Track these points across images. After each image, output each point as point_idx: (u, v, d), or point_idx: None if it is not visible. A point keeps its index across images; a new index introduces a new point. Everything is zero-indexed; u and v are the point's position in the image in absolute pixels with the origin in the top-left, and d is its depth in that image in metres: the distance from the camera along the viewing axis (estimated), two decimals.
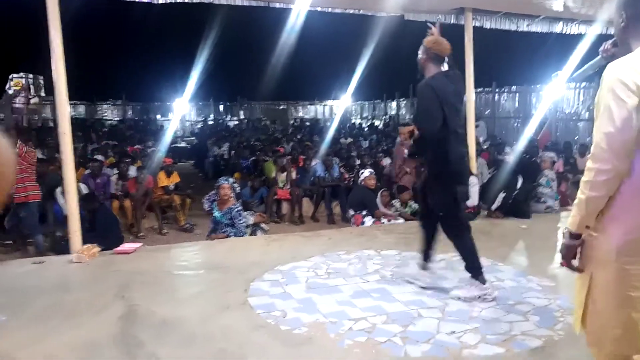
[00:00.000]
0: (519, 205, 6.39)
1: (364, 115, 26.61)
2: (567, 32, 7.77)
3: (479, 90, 15.82)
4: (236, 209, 5.63)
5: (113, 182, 7.47)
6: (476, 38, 6.80)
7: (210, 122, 23.93)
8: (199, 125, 23.79)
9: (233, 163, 11.18)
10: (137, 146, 13.11)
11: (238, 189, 6.21)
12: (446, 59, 3.61)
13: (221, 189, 5.62)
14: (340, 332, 3.05)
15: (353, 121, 24.54)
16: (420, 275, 3.86)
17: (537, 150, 8.42)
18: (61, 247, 5.27)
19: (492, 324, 3.15)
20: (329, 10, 6.57)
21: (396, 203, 7.09)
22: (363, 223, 6.59)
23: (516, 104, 15.79)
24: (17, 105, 14.75)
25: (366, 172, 7.18)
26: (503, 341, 2.92)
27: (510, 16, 7.25)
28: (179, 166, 13.05)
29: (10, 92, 14.69)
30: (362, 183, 7.10)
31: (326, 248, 4.96)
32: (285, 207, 8.19)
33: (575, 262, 1.77)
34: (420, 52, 3.64)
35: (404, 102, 23.32)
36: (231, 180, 5.93)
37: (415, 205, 7.55)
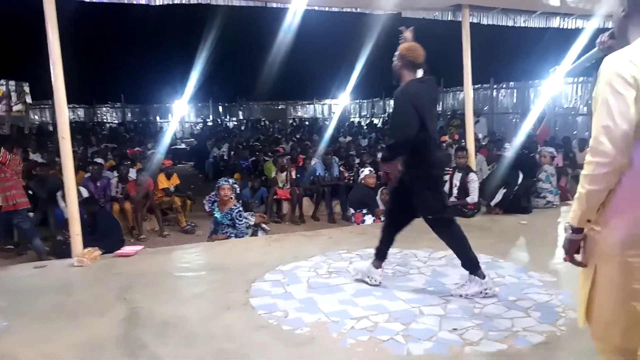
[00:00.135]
0: (519, 201, 6.40)
1: (363, 113, 26.61)
2: (565, 27, 7.78)
3: (477, 86, 15.83)
4: (237, 210, 5.63)
5: (113, 185, 7.46)
6: (473, 34, 6.80)
7: (210, 123, 23.95)
8: (199, 127, 23.81)
9: (233, 164, 11.17)
10: (136, 148, 13.10)
11: (238, 190, 6.21)
12: (421, 65, 3.63)
13: (221, 190, 5.62)
14: (343, 331, 3.06)
15: (352, 120, 24.54)
16: (373, 273, 3.85)
17: (536, 145, 8.42)
18: (62, 251, 5.27)
19: (493, 320, 3.16)
20: (326, 9, 6.58)
21: None
22: (364, 221, 6.60)
23: (514, 100, 15.80)
24: None
25: (366, 171, 7.18)
26: (505, 337, 2.92)
27: (507, 12, 7.27)
28: (178, 168, 13.06)
29: None
30: (362, 182, 7.11)
31: (327, 247, 4.97)
32: (285, 207, 8.19)
33: (578, 257, 1.77)
34: (394, 59, 3.65)
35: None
36: (231, 181, 5.93)
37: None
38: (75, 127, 16.71)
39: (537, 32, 8.38)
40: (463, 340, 2.91)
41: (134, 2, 5.44)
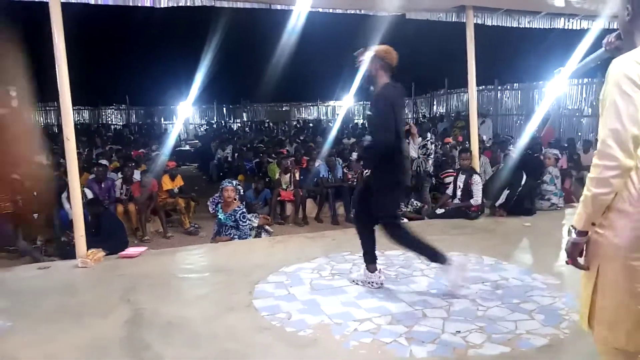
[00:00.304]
0: (522, 202, 6.37)
1: (366, 115, 26.60)
2: (569, 28, 7.75)
3: (481, 88, 15.80)
4: (240, 211, 5.64)
5: (117, 187, 7.49)
6: (477, 35, 6.79)
7: (214, 125, 24.02)
8: (203, 128, 23.87)
9: (237, 165, 11.20)
10: (141, 150, 13.17)
11: (242, 191, 6.22)
12: (394, 70, 3.67)
13: (225, 192, 5.63)
14: (346, 333, 3.05)
15: (355, 121, 24.54)
16: (371, 277, 3.84)
17: (540, 147, 8.40)
18: (66, 252, 5.29)
19: (497, 323, 3.15)
20: (330, 10, 6.58)
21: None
22: None
23: (518, 101, 15.76)
24: None
25: (368, 172, 7.17)
26: (508, 340, 2.91)
27: (511, 13, 7.24)
28: (183, 169, 13.08)
29: None
30: None
31: (330, 249, 4.97)
32: (289, 209, 8.20)
33: (581, 260, 1.76)
34: (370, 61, 3.65)
35: (406, 101, 23.32)
36: (235, 182, 5.94)
37: (417, 203, 7.55)
38: (80, 129, 16.80)
39: (541, 33, 8.35)
40: (466, 342, 2.90)
41: (139, 5, 5.46)
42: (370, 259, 3.87)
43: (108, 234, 5.58)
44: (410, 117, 22.27)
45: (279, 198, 8.09)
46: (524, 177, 6.47)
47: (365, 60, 3.67)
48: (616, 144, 1.58)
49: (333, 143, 11.82)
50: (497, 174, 7.18)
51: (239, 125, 25.79)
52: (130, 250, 5.10)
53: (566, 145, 10.41)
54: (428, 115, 20.19)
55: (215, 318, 3.34)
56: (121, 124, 24.75)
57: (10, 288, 4.08)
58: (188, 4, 5.75)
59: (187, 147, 18.67)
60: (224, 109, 26.97)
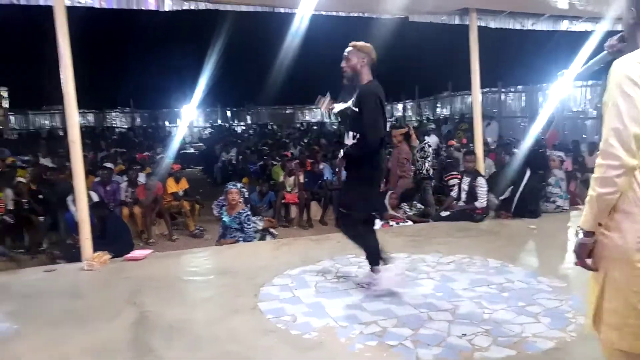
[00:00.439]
0: (526, 202, 6.35)
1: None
2: (573, 30, 7.74)
3: (484, 90, 15.78)
4: (245, 214, 5.65)
5: (123, 189, 7.52)
6: (481, 38, 6.79)
7: (218, 128, 24.09)
8: (207, 131, 23.94)
9: (241, 168, 11.23)
10: (145, 153, 13.23)
11: (246, 194, 6.23)
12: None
13: (229, 194, 5.64)
14: (351, 336, 3.05)
15: None
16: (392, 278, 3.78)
17: (545, 145, 8.34)
18: (72, 254, 5.31)
19: (503, 326, 3.14)
20: (333, 13, 6.60)
21: (404, 206, 7.08)
22: None
23: (522, 104, 15.73)
24: None
25: None
26: (514, 343, 2.90)
27: (515, 15, 7.23)
28: (187, 172, 13.13)
29: None
30: None
31: (335, 252, 4.96)
32: (293, 211, 8.20)
33: (589, 261, 1.76)
34: (354, 57, 3.65)
35: (410, 103, 23.30)
36: (239, 185, 5.95)
37: (420, 206, 7.54)
38: (85, 132, 16.88)
39: (545, 35, 8.34)
40: (472, 345, 2.89)
41: (143, 8, 5.49)
42: (374, 260, 3.85)
43: (113, 237, 5.59)
44: (413, 119, 22.27)
45: (283, 201, 8.10)
46: (528, 172, 6.46)
47: (349, 55, 3.66)
48: (619, 143, 1.59)
49: (337, 145, 11.84)
50: (502, 168, 7.14)
51: (243, 128, 25.85)
52: (136, 253, 5.11)
53: (571, 147, 10.38)
54: (432, 118, 20.16)
55: (220, 321, 3.34)
56: (126, 127, 24.86)
57: (16, 291, 4.09)
58: (192, 8, 5.78)
59: (192, 150, 18.73)
60: (228, 111, 27.05)
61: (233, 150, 13.72)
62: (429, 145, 8.09)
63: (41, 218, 6.59)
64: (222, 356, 2.86)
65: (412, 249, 4.98)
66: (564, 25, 7.64)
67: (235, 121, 27.03)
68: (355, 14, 6.72)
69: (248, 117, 27.35)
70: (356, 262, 4.58)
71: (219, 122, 25.84)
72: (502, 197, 6.46)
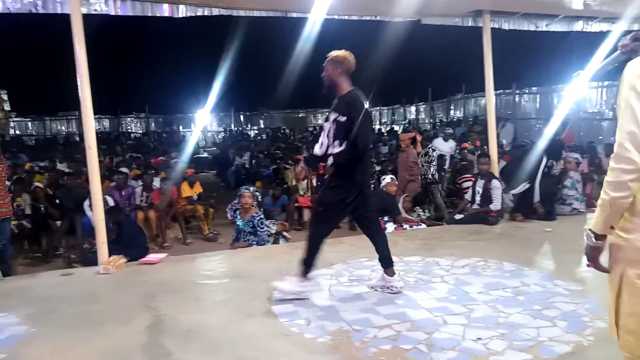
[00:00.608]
0: (531, 204, 6.32)
1: (383, 120, 26.58)
2: (588, 30, 7.65)
3: (499, 92, 15.66)
4: (258, 218, 5.67)
5: (138, 194, 7.59)
6: (494, 39, 6.75)
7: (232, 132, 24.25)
8: (221, 136, 24.11)
9: (254, 172, 11.27)
10: (160, 158, 13.35)
11: (260, 198, 6.26)
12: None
13: (242, 198, 5.67)
14: (365, 340, 3.04)
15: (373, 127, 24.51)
16: (390, 281, 3.83)
17: (560, 133, 8.20)
18: (88, 259, 5.38)
19: (518, 329, 3.11)
20: (346, 17, 6.61)
21: (418, 209, 7.04)
22: (385, 229, 6.56)
23: (537, 105, 15.57)
24: None
25: (387, 178, 7.14)
26: (530, 347, 2.87)
27: (528, 16, 7.17)
28: (201, 176, 13.21)
29: None
30: (384, 189, 7.07)
31: (348, 255, 4.96)
32: (306, 215, 8.19)
33: (603, 263, 1.73)
34: (329, 67, 3.69)
35: (423, 106, 23.22)
36: (252, 188, 5.97)
37: (431, 210, 7.50)
38: (101, 138, 17.11)
39: (559, 36, 8.25)
40: (487, 350, 2.87)
41: (158, 15, 5.56)
42: (385, 263, 3.85)
43: (129, 241, 5.66)
44: (427, 122, 22.17)
45: (296, 204, 8.11)
46: (545, 160, 6.39)
47: (326, 66, 3.74)
48: (634, 147, 1.56)
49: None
50: (518, 159, 7.04)
51: (256, 132, 25.98)
52: (151, 257, 5.16)
53: (587, 149, 10.24)
54: (445, 120, 20.05)
55: (234, 324, 3.36)
56: (141, 132, 25.15)
57: (34, 294, 4.16)
58: (206, 13, 5.84)
59: (206, 155, 18.85)
60: (241, 116, 27.24)
61: (246, 155, 13.79)
62: (433, 150, 8.04)
63: (58, 222, 6.68)
64: None
65: (426, 252, 4.95)
66: (579, 26, 7.56)
67: (249, 125, 27.21)
68: (368, 18, 6.72)
69: (261, 121, 27.50)
70: (369, 265, 4.57)
71: (232, 126, 26.02)
72: (515, 192, 6.39)
